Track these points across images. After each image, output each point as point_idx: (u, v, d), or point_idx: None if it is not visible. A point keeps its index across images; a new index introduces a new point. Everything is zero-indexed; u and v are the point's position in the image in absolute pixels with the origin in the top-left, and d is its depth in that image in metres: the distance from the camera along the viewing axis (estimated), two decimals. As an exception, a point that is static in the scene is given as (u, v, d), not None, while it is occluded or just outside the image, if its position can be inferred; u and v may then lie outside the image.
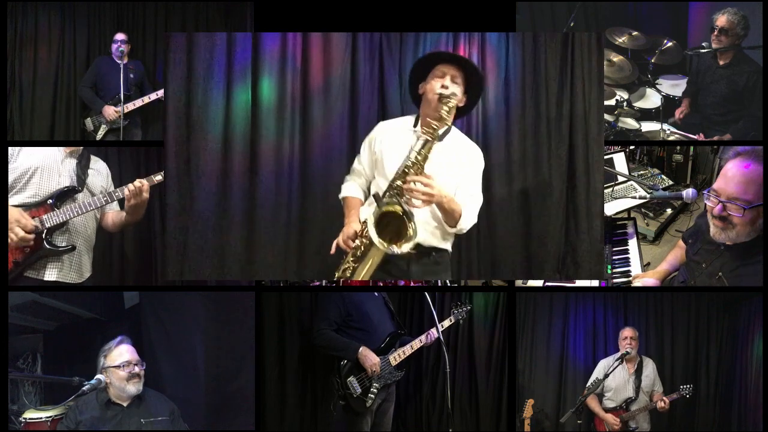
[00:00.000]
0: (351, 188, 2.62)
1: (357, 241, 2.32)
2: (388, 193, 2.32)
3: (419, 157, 2.27)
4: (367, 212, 2.37)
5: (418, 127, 2.42)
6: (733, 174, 2.22)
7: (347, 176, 2.64)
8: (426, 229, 2.37)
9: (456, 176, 2.42)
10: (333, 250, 2.41)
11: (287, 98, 3.22)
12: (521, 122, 3.38)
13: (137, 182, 2.61)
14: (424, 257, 2.41)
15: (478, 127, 3.37)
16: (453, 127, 2.45)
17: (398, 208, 2.26)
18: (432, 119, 2.32)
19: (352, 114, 3.30)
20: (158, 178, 2.65)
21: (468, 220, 2.40)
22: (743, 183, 2.19)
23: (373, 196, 2.37)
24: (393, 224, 2.27)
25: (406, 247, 2.22)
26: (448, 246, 2.50)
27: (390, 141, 2.48)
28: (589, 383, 3.41)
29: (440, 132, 2.29)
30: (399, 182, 2.28)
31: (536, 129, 3.38)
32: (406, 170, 2.28)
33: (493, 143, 3.35)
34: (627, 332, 3.41)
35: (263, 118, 3.20)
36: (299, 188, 3.31)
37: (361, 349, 2.84)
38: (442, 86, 2.34)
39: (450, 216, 2.34)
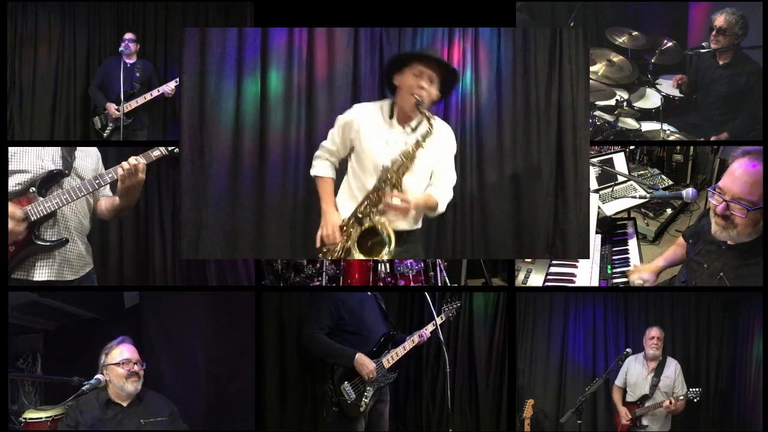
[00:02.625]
0: (324, 168, 2.68)
1: (340, 244, 2.47)
2: (365, 205, 2.46)
3: (396, 175, 2.42)
4: (344, 205, 2.57)
5: (395, 119, 2.54)
6: (740, 173, 2.18)
7: (318, 152, 2.70)
8: (405, 220, 2.54)
9: (431, 160, 2.55)
10: (318, 244, 2.54)
11: (294, 90, 3.40)
12: (512, 111, 3.57)
13: (132, 160, 2.30)
14: (397, 239, 2.52)
15: (472, 116, 3.57)
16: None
17: (379, 228, 2.43)
18: (404, 121, 2.51)
19: (354, 104, 3.37)
20: (156, 153, 2.38)
21: (444, 203, 2.56)
22: (749, 183, 2.16)
23: (353, 215, 2.48)
24: (372, 234, 2.46)
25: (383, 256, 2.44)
26: (418, 225, 2.65)
27: (367, 131, 2.55)
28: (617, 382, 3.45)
29: (418, 155, 2.43)
30: (376, 197, 2.44)
31: (526, 118, 3.57)
32: (383, 185, 2.43)
33: (486, 131, 3.55)
34: (654, 332, 3.37)
35: (271, 108, 3.37)
36: (304, 173, 3.40)
37: (357, 356, 2.77)
38: (419, 87, 2.43)
39: (429, 209, 2.54)
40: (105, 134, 3.92)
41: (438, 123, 2.59)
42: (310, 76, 3.41)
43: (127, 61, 3.84)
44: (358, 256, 2.44)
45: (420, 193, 2.51)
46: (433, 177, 2.58)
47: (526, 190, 3.60)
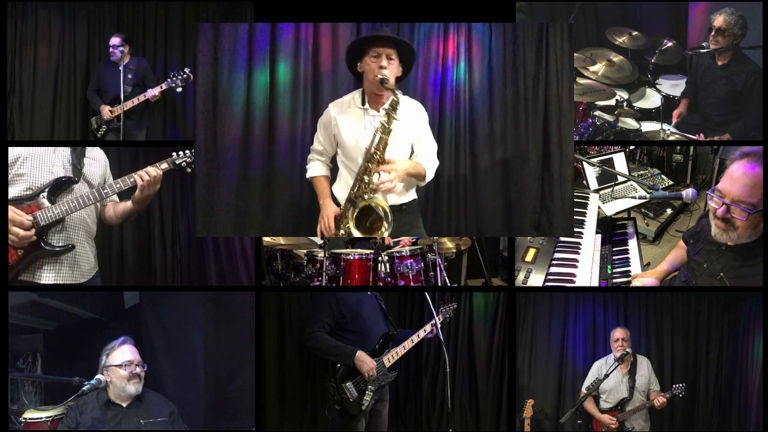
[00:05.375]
0: (316, 168, 2.86)
1: (342, 230, 2.64)
2: (357, 187, 2.60)
3: (378, 152, 2.55)
4: (340, 194, 2.72)
5: (367, 105, 2.69)
6: (739, 176, 2.16)
7: (310, 155, 2.90)
8: (397, 192, 2.68)
9: (408, 134, 2.70)
10: (319, 236, 2.75)
11: (300, 80, 3.56)
12: (502, 100, 3.75)
13: (152, 171, 2.42)
14: (396, 213, 2.66)
15: (466, 105, 3.75)
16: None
17: (373, 205, 2.57)
18: (377, 104, 2.64)
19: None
20: (164, 166, 2.48)
21: (432, 169, 2.75)
22: (749, 186, 2.14)
23: (348, 199, 2.64)
24: (369, 212, 2.59)
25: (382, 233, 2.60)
26: (413, 195, 2.81)
27: (344, 123, 2.71)
28: (587, 384, 3.42)
29: (392, 126, 2.55)
30: (365, 177, 2.58)
31: (515, 106, 3.76)
32: (369, 165, 2.56)
33: (479, 119, 3.75)
34: (618, 333, 3.39)
35: (280, 97, 3.54)
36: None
37: (357, 353, 2.77)
38: (380, 67, 2.55)
39: (418, 177, 2.70)
40: (99, 135, 3.94)
41: (406, 98, 2.73)
42: (316, 67, 3.59)
43: (119, 64, 3.83)
44: (358, 234, 2.58)
45: (406, 161, 2.65)
46: (416, 148, 2.74)
47: (514, 173, 3.79)
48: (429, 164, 2.72)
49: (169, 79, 3.74)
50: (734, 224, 2.19)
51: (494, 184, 3.78)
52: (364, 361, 2.77)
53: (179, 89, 3.74)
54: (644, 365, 3.41)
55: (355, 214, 2.57)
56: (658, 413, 3.39)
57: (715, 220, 2.25)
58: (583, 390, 3.41)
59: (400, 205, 2.73)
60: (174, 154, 2.52)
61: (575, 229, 3.25)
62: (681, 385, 3.28)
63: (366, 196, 2.57)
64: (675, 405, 3.40)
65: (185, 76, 3.70)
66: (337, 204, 2.73)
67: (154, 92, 3.83)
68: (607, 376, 3.34)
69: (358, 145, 2.66)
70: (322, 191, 2.80)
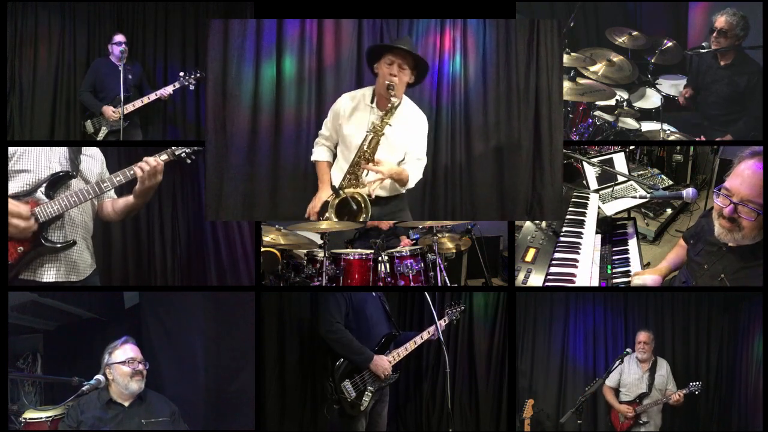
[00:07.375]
0: (321, 153, 3.06)
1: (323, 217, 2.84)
2: (346, 179, 2.78)
3: (369, 150, 2.73)
4: (334, 174, 2.92)
5: (374, 104, 2.89)
6: (749, 174, 2.09)
7: (317, 139, 3.10)
8: (382, 188, 2.88)
9: (405, 141, 2.87)
10: (306, 214, 2.95)
11: (305, 73, 3.74)
12: (496, 92, 3.92)
13: (152, 160, 2.35)
14: (382, 202, 2.90)
15: (461, 96, 3.94)
16: (404, 97, 2.89)
17: (349, 198, 2.74)
18: (384, 105, 2.77)
19: (358, 86, 3.67)
20: (164, 157, 2.42)
21: (414, 180, 2.90)
22: (759, 186, 2.08)
23: (332, 188, 2.81)
24: (347, 204, 2.77)
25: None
26: (402, 190, 2.96)
27: (351, 116, 2.92)
28: (609, 383, 3.51)
29: (384, 129, 2.72)
30: (355, 171, 2.76)
31: (508, 97, 3.92)
32: (359, 159, 2.74)
33: (473, 109, 3.93)
34: (642, 337, 3.47)
35: (286, 89, 3.71)
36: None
37: (375, 357, 2.79)
38: (390, 74, 2.76)
39: (400, 182, 2.85)
40: (99, 138, 3.88)
41: (413, 107, 2.94)
42: (320, 61, 3.73)
43: (119, 64, 3.82)
44: (334, 219, 2.79)
45: (394, 165, 2.79)
46: (407, 156, 2.90)
47: (508, 160, 3.94)
48: (413, 174, 2.87)
49: (181, 78, 3.77)
50: (740, 224, 2.13)
51: (488, 171, 3.94)
52: (380, 364, 2.80)
53: (192, 87, 3.80)
54: (664, 366, 3.50)
55: (336, 203, 2.75)
56: (671, 408, 3.42)
57: (720, 219, 2.18)
58: (607, 384, 3.49)
59: (388, 198, 2.92)
60: (174, 146, 2.49)
61: (575, 229, 3.25)
62: (698, 383, 3.34)
63: (347, 190, 2.75)
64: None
65: (198, 75, 3.76)
66: (333, 187, 2.87)
67: (168, 90, 3.82)
68: (607, 375, 3.35)
69: (356, 139, 2.83)
70: (323, 176, 2.99)
